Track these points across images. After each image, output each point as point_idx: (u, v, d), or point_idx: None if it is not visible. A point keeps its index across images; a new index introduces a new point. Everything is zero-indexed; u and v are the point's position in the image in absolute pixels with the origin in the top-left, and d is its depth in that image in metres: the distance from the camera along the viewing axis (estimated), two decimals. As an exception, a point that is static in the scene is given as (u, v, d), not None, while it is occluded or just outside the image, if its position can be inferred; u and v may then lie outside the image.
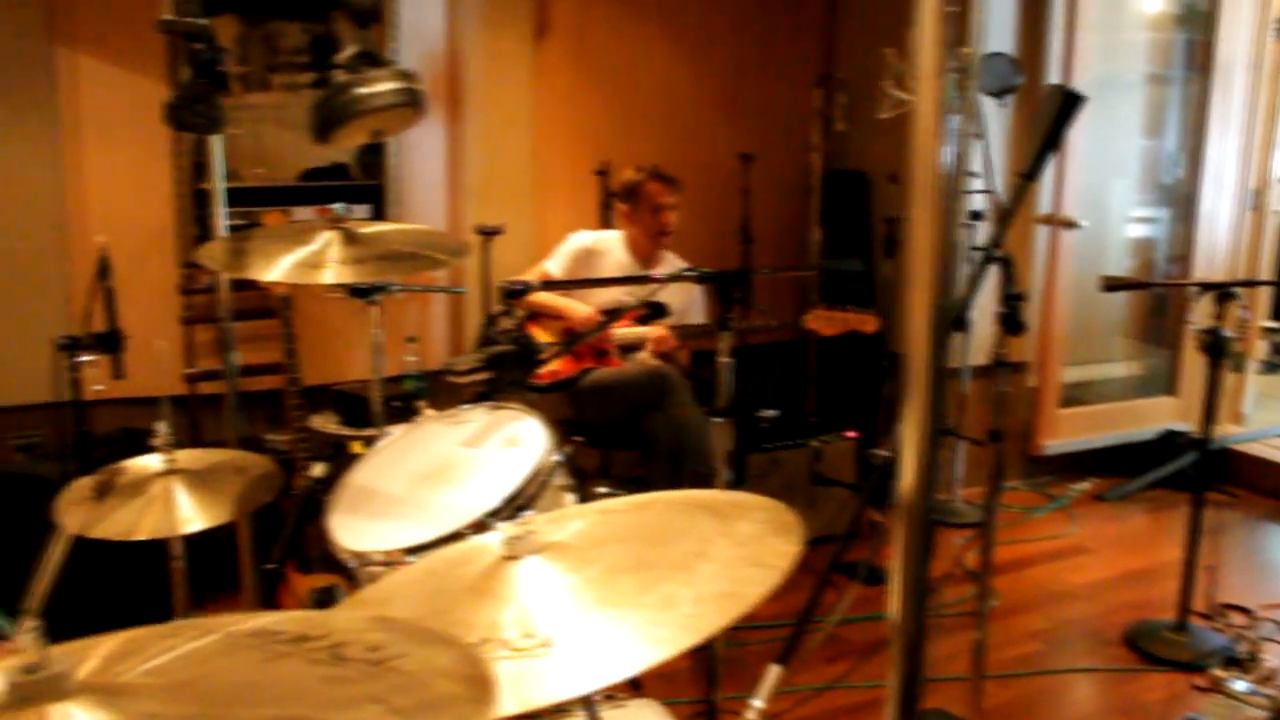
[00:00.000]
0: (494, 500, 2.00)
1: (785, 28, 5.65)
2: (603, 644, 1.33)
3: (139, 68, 4.41)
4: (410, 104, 2.46)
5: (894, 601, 1.07)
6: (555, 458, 2.13)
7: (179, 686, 0.95)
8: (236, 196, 4.45)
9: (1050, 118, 2.11)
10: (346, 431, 4.24)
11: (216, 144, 2.99)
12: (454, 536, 1.93)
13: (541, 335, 4.30)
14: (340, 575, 3.69)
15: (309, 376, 4.22)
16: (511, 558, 1.50)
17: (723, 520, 1.58)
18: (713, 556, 1.47)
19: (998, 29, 5.04)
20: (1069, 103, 2.11)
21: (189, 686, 0.95)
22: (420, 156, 4.83)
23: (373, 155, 4.71)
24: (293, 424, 3.82)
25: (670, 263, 4.48)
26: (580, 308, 4.24)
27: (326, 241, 2.43)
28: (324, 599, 3.70)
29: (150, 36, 4.34)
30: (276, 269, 2.36)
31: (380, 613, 1.56)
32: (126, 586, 3.50)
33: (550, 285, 4.00)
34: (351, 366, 4.66)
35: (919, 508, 1.02)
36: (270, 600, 3.67)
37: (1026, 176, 2.15)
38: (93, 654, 0.99)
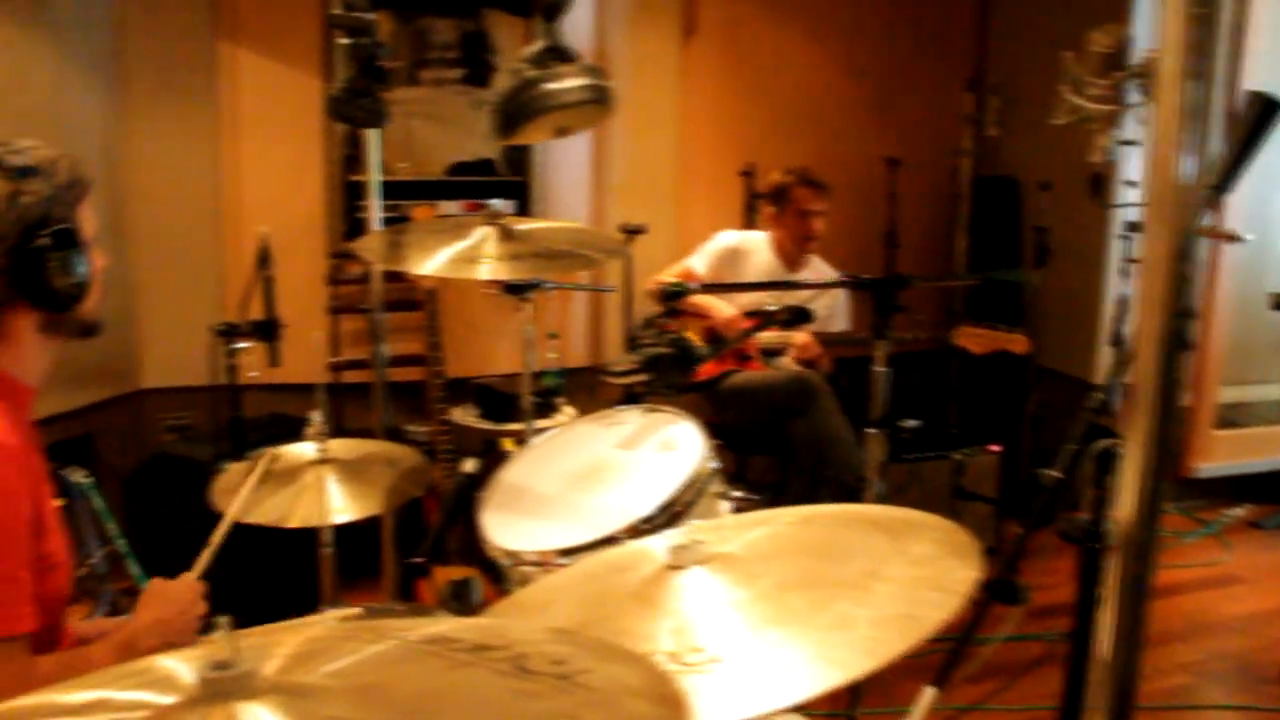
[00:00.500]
0: (649, 505, 1.96)
1: (936, 30, 5.52)
2: (775, 663, 1.29)
3: (296, 63, 4.50)
4: (599, 101, 2.42)
5: (1106, 638, 1.00)
6: (712, 464, 2.08)
7: (364, 691, 0.93)
8: (386, 190, 4.47)
9: (1248, 127, 1.99)
10: (486, 425, 4.26)
11: (373, 138, 3.03)
12: (608, 540, 1.90)
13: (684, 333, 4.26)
14: (476, 567, 3.71)
15: (450, 369, 4.25)
16: (676, 567, 1.46)
17: (895, 539, 1.52)
18: (887, 577, 1.41)
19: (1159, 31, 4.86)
20: (1269, 111, 1.99)
21: (374, 692, 0.93)
22: (565, 154, 4.84)
23: (518, 151, 4.73)
24: (435, 416, 3.85)
25: (815, 266, 4.41)
26: (724, 308, 4.18)
27: (483, 237, 2.42)
28: (459, 591, 3.71)
29: (308, 32, 4.43)
30: (433, 262, 2.36)
31: (540, 614, 1.54)
32: (273, 569, 3.57)
33: (708, 288, 3.95)
34: (492, 360, 4.68)
35: (1139, 540, 0.95)
36: (408, 591, 3.71)
37: (1218, 189, 2.04)
38: (275, 652, 0.98)
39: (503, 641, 1.01)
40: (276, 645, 0.99)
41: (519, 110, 2.27)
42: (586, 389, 4.68)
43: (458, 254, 2.37)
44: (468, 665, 0.96)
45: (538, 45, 2.34)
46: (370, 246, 2.58)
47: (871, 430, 2.65)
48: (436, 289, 3.89)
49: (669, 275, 4.22)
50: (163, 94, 4.47)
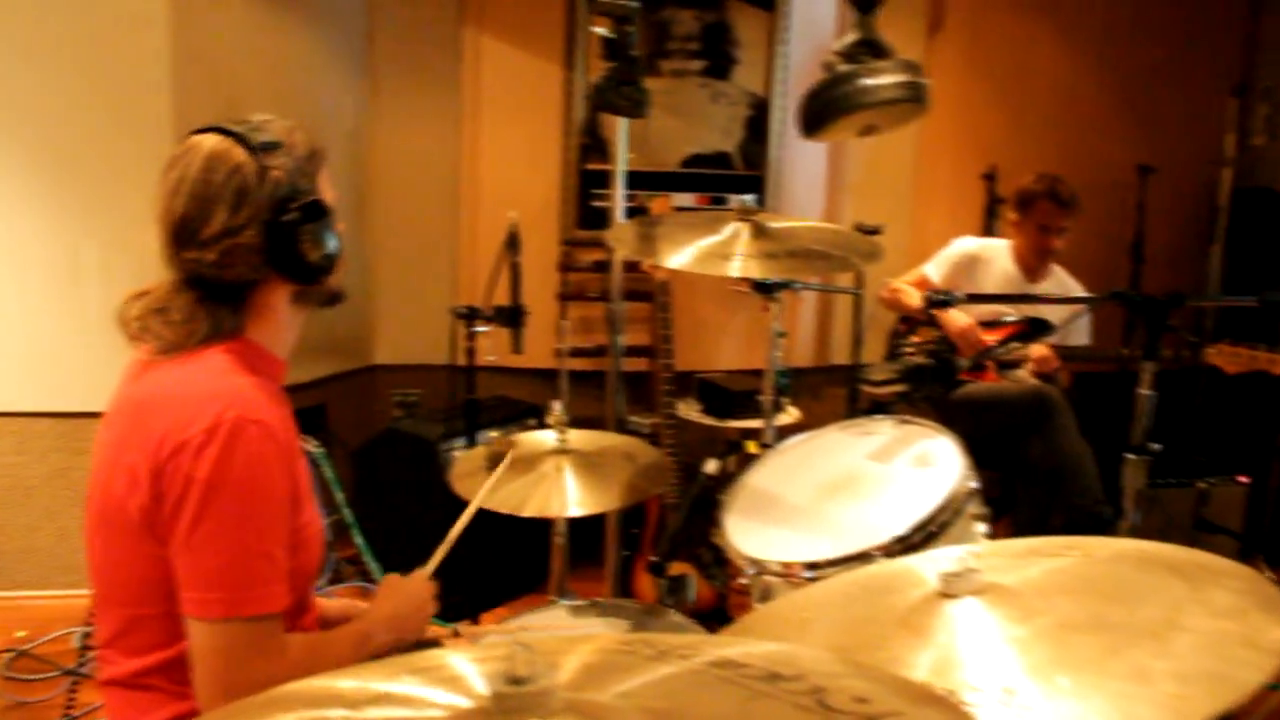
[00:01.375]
0: (904, 524, 1.87)
1: (1198, 30, 5.18)
2: (1062, 712, 1.19)
3: (539, 51, 4.54)
4: (915, 100, 2.32)
5: None
6: (971, 484, 1.98)
7: (659, 716, 0.88)
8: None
9: None
10: (708, 421, 4.23)
11: (622, 128, 3.01)
12: (859, 558, 1.82)
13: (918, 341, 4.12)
14: (691, 564, 3.67)
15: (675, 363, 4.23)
16: (948, 596, 1.37)
17: (1192, 585, 1.39)
18: (1188, 627, 1.29)
19: None
20: None
21: (669, 717, 0.88)
22: (802, 150, 4.74)
23: (755, 146, 4.66)
24: (660, 409, 3.82)
25: (1058, 278, 4.19)
26: (959, 318, 4.01)
27: (735, 232, 2.36)
28: (675, 587, 3.69)
29: (551, 20, 4.47)
30: (683, 256, 2.32)
31: (799, 632, 1.47)
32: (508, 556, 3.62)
33: (974, 299, 3.76)
34: (717, 356, 4.64)
35: None
36: (626, 583, 3.70)
37: None
38: (562, 664, 0.94)
39: (795, 671, 0.95)
40: (560, 659, 0.95)
41: (829, 106, 2.18)
42: (810, 390, 4.60)
43: (709, 249, 2.32)
44: (765, 696, 0.90)
45: (850, 38, 2.25)
46: (620, 237, 2.55)
47: (1131, 456, 2.48)
48: (669, 281, 3.86)
49: (902, 282, 4.08)
50: (408, 79, 4.59)
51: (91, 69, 3.74)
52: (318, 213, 1.73)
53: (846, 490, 2.07)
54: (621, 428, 3.47)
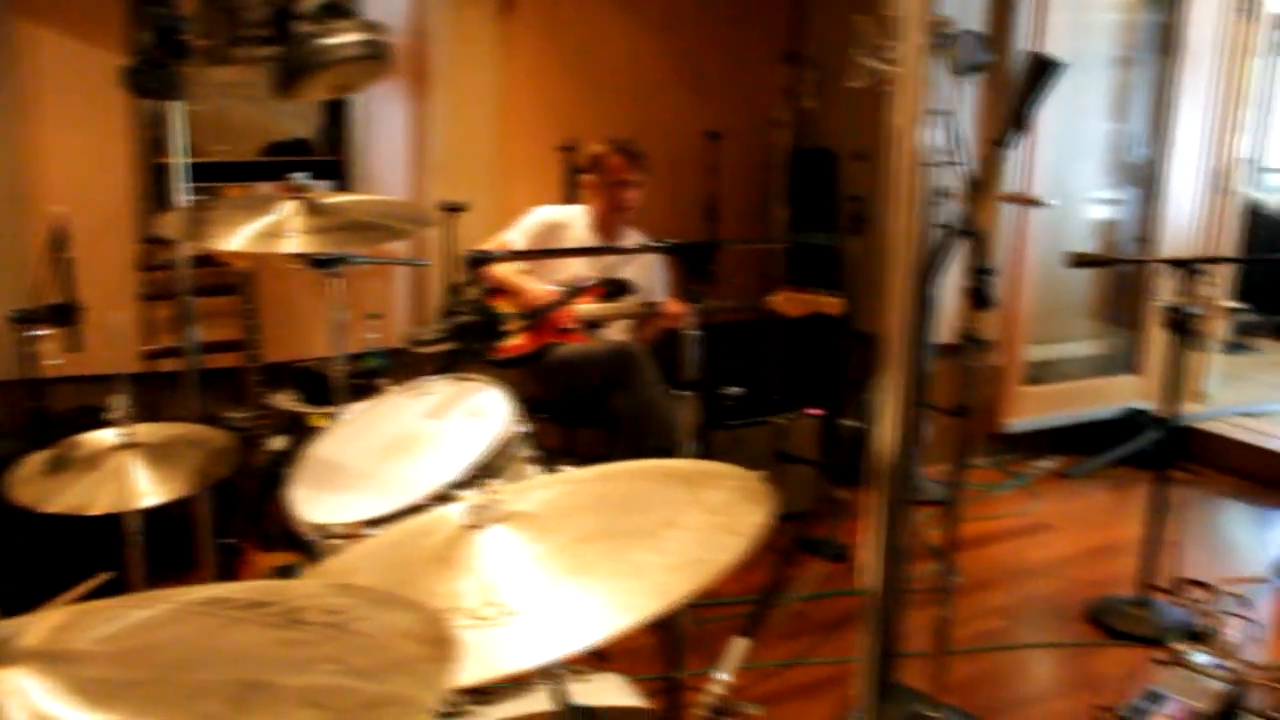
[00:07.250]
0: (457, 471, 1.97)
1: (752, 3, 5.61)
2: (569, 612, 1.31)
3: (99, 42, 4.32)
4: (375, 57, 2.38)
5: (870, 571, 1.05)
6: (519, 428, 2.10)
7: (130, 653, 0.92)
8: (199, 172, 4.29)
9: (1026, 85, 2.10)
10: (309, 409, 4.19)
11: (176, 115, 2.94)
12: (416, 508, 1.90)
13: (504, 310, 4.25)
14: (302, 553, 3.65)
15: (270, 353, 4.17)
16: (475, 527, 1.48)
17: (692, 489, 1.57)
18: (683, 524, 1.46)
19: (965, 5, 5.01)
20: (1045, 70, 2.10)
21: (141, 653, 0.92)
22: (384, 131, 4.77)
23: (336, 129, 4.64)
24: (253, 401, 3.77)
25: (633, 238, 4.43)
26: (538, 286, 4.17)
27: (287, 211, 2.38)
28: (284, 576, 3.66)
29: (110, 10, 4.27)
30: (237, 238, 2.33)
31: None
32: (81, 563, 3.44)
33: (515, 255, 3.93)
34: (313, 343, 4.59)
35: (897, 478, 1.00)
36: (229, 577, 3.63)
37: (999, 143, 2.14)
38: (43, 624, 0.96)
39: (276, 599, 1.01)
40: (44, 618, 0.97)
41: (294, 67, 2.23)
42: (412, 368, 4.64)
43: (262, 229, 2.33)
44: (239, 622, 0.96)
45: (315, 1, 2.30)
46: (174, 224, 2.52)
47: (684, 393, 2.69)
48: (253, 271, 3.80)
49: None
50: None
51: None
52: None
53: (405, 449, 2.15)
54: (214, 423, 3.40)
